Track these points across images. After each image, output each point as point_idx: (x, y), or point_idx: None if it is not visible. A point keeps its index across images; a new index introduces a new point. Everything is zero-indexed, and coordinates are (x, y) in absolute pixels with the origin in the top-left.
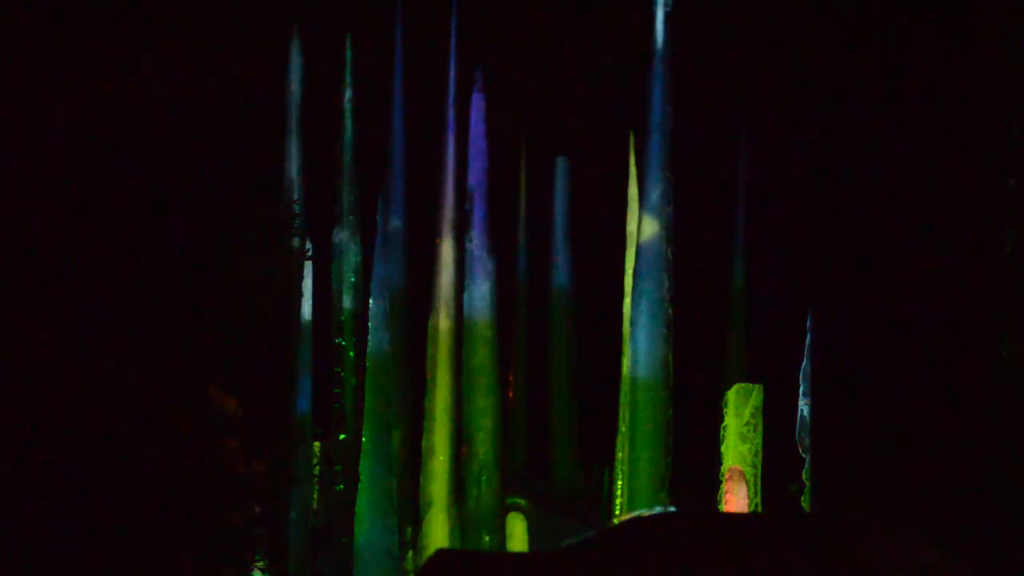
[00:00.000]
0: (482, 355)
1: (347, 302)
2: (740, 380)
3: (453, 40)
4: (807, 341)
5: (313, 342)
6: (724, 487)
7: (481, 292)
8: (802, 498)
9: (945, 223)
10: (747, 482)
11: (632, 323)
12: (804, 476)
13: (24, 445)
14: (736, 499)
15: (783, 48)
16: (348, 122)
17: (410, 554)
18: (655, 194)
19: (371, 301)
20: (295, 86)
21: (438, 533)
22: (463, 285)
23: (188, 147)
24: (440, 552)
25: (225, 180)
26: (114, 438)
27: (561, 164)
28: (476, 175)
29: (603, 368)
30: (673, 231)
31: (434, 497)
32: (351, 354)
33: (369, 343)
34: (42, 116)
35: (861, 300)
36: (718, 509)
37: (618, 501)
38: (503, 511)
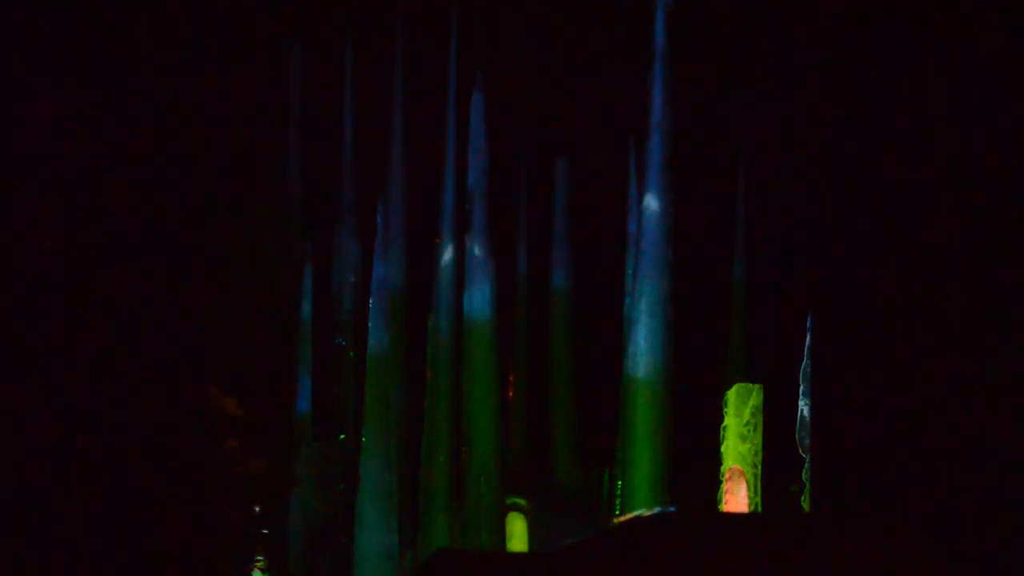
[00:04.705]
0: (482, 355)
1: (347, 302)
2: (740, 380)
3: (453, 41)
4: (807, 341)
5: (313, 342)
6: (724, 487)
7: (481, 292)
8: (802, 498)
9: (946, 223)
10: (747, 482)
11: (632, 323)
12: (804, 476)
13: (22, 445)
14: (736, 499)
15: (784, 48)
16: (348, 122)
17: (410, 554)
18: (655, 194)
19: (371, 301)
20: (297, 87)
21: (438, 533)
22: (463, 285)
23: (189, 149)
24: (440, 552)
25: (226, 181)
26: (114, 438)
27: (561, 164)
28: (476, 175)
29: (603, 368)
30: (673, 231)
31: (434, 497)
32: (351, 354)
33: (369, 343)
34: (46, 120)
35: (861, 300)
36: (718, 509)
37: (618, 501)
38: (503, 511)
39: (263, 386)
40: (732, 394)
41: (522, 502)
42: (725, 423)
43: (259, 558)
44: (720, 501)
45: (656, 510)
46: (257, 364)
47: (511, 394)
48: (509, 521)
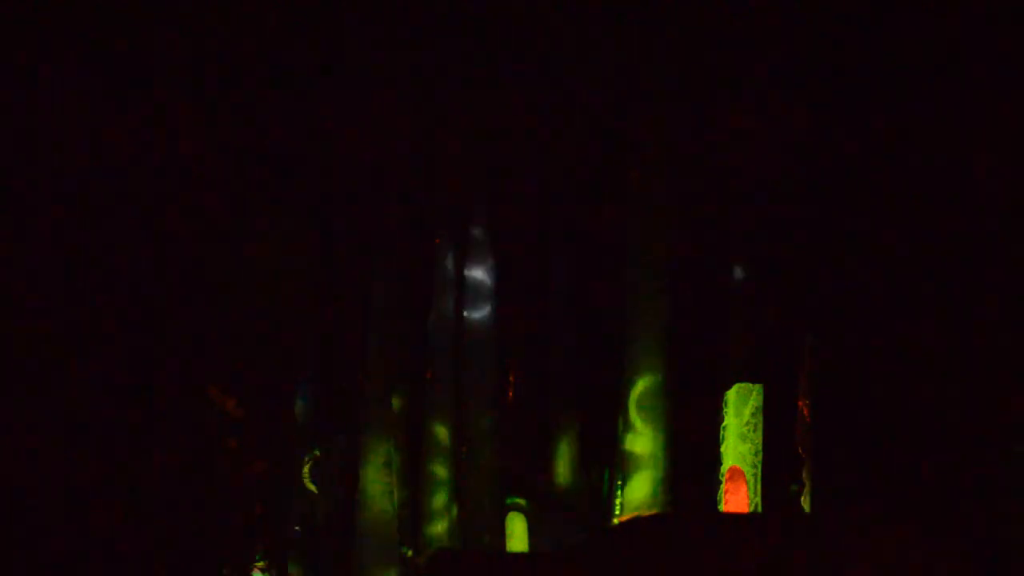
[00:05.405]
0: (482, 355)
1: (346, 301)
2: (740, 380)
3: (454, 41)
4: (807, 341)
5: (313, 342)
6: (724, 487)
7: (481, 292)
8: (802, 498)
9: (946, 224)
10: (747, 482)
11: (631, 323)
12: (804, 476)
13: (22, 444)
14: (736, 499)
15: (786, 48)
16: (347, 122)
17: (410, 554)
18: (655, 192)
19: (371, 300)
20: (298, 88)
21: (439, 533)
22: (463, 285)
23: (187, 148)
24: (440, 552)
25: (226, 181)
26: (114, 438)
27: (561, 163)
28: (477, 174)
29: (603, 368)
30: (673, 230)
31: (434, 497)
32: (351, 354)
33: (369, 342)
34: (52, 121)
35: (862, 299)
36: (718, 509)
37: (618, 501)
38: (503, 511)
39: (263, 386)
40: (732, 394)
41: (522, 502)
42: (725, 423)
43: (259, 558)
44: (720, 501)
45: (656, 510)
46: (257, 364)
47: (511, 394)
48: (509, 521)
